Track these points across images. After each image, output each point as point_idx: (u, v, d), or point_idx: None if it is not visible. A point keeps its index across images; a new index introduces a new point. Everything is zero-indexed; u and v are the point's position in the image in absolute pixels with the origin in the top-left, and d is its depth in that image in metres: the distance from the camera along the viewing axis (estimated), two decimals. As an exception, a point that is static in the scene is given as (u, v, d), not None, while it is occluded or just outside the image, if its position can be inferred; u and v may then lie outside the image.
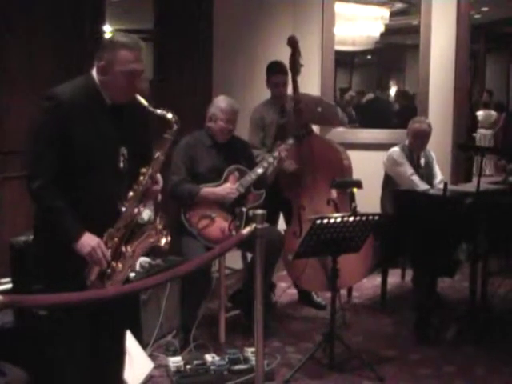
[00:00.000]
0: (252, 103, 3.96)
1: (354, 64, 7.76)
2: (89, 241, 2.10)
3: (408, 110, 5.47)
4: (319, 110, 3.85)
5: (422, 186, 3.83)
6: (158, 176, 2.27)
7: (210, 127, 3.35)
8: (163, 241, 2.30)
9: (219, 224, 3.30)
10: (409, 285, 4.21)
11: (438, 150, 4.37)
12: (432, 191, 3.69)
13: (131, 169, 2.19)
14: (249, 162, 3.42)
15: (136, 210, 2.22)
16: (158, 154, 2.24)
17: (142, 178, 2.21)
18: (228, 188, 3.33)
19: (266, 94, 3.87)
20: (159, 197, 2.31)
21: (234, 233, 3.19)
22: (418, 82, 5.02)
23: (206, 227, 3.31)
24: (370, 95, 6.54)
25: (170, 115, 2.26)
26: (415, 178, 3.88)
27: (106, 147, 2.15)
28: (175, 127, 2.26)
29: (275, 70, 3.74)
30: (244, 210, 3.28)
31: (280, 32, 4.27)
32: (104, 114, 2.17)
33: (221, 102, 3.36)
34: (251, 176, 3.36)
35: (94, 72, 2.17)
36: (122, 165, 2.19)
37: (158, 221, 2.28)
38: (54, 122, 2.09)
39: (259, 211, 2.32)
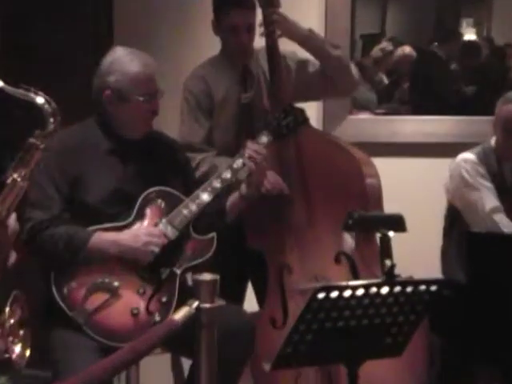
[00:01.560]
0: (183, 68, 3.47)
1: None
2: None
3: (496, 80, 4.81)
4: (310, 69, 3.13)
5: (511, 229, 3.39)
6: (12, 219, 2.20)
7: (108, 114, 2.76)
8: (17, 350, 2.16)
9: (127, 301, 2.67)
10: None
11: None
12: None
13: None
14: (184, 179, 2.92)
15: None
16: (14, 175, 2.15)
17: None
18: (145, 232, 2.72)
19: (209, 50, 3.36)
20: (12, 257, 2.21)
21: (156, 318, 2.65)
22: None
23: (102, 308, 2.63)
24: (422, 50, 5.25)
25: (40, 99, 2.19)
26: (499, 217, 3.32)
27: None
28: (51, 124, 2.19)
29: (231, 2, 3.13)
30: (177, 271, 2.70)
31: None
32: None
33: (127, 62, 2.70)
34: (189, 208, 2.76)
35: None
36: None
37: (7, 311, 2.15)
38: None
39: (206, 276, 2.10)
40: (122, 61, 2.80)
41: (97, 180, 2.78)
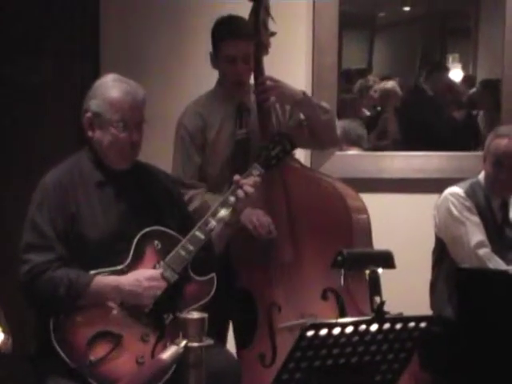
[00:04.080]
0: (177, 103, 3.48)
1: (376, 24, 6.11)
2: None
3: (486, 115, 4.78)
4: (301, 116, 3.18)
5: (497, 266, 3.32)
6: None
7: (96, 143, 2.73)
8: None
9: (132, 350, 2.61)
10: None
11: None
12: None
13: None
14: (178, 212, 2.86)
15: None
16: None
17: None
18: (146, 277, 2.63)
19: (205, 84, 3.34)
20: None
21: None
22: (503, 57, 4.24)
23: (107, 359, 2.55)
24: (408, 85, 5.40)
25: None
26: (484, 252, 3.31)
27: None
28: None
29: (228, 32, 3.14)
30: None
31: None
32: None
33: (110, 87, 2.70)
34: (187, 249, 2.69)
35: None
36: None
37: None
38: None
39: (195, 314, 2.07)
40: (106, 86, 2.79)
41: (92, 215, 2.74)
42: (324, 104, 3.39)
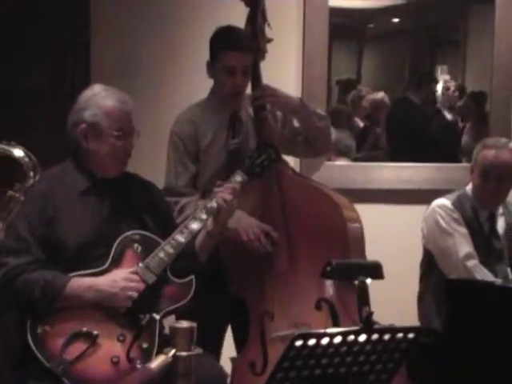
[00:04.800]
0: (168, 112, 3.44)
1: (365, 35, 6.13)
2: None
3: (473, 126, 4.83)
4: (295, 124, 3.17)
5: (485, 277, 3.32)
6: None
7: (91, 152, 2.75)
8: None
9: (107, 349, 2.62)
10: None
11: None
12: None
13: None
14: (162, 221, 2.87)
15: None
16: None
17: None
18: (122, 277, 2.66)
19: (197, 93, 3.33)
20: None
21: (138, 365, 2.57)
22: (492, 69, 4.31)
23: (82, 358, 2.57)
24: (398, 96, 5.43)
25: (19, 152, 2.36)
26: (472, 263, 3.32)
27: None
28: (31, 177, 2.33)
29: (229, 43, 3.12)
30: (157, 317, 2.65)
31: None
32: None
33: (103, 97, 2.73)
34: (166, 251, 2.70)
35: None
36: None
37: None
38: None
39: (184, 323, 2.02)
40: (99, 96, 2.80)
41: (73, 220, 2.75)
42: (319, 111, 3.39)
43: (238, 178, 2.89)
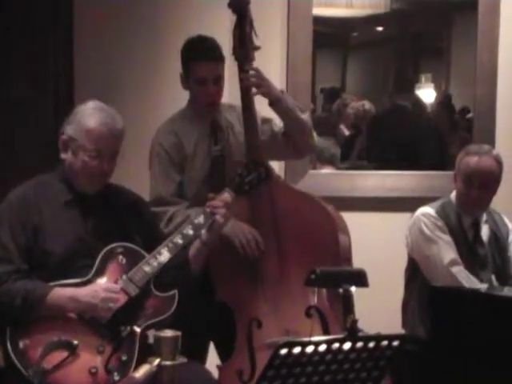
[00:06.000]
0: (152, 122, 3.46)
1: (349, 44, 6.19)
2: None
3: (457, 133, 4.91)
4: (273, 128, 3.20)
5: (470, 283, 3.33)
6: None
7: (67, 164, 2.78)
8: None
9: (85, 360, 2.62)
10: None
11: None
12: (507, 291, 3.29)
13: None
14: (147, 233, 2.87)
15: None
16: None
17: None
18: (104, 288, 2.67)
19: (181, 102, 3.31)
20: None
21: (115, 377, 2.59)
22: (475, 77, 4.35)
23: (60, 367, 2.57)
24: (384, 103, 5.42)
25: None
26: (457, 269, 3.33)
27: None
28: None
29: (198, 54, 3.13)
30: (137, 330, 2.65)
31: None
32: None
33: (87, 115, 2.74)
34: (151, 265, 2.71)
35: None
36: None
37: None
38: None
39: (168, 332, 2.10)
40: (85, 113, 2.79)
41: (57, 231, 2.75)
42: (300, 105, 3.40)
43: (226, 195, 2.90)
